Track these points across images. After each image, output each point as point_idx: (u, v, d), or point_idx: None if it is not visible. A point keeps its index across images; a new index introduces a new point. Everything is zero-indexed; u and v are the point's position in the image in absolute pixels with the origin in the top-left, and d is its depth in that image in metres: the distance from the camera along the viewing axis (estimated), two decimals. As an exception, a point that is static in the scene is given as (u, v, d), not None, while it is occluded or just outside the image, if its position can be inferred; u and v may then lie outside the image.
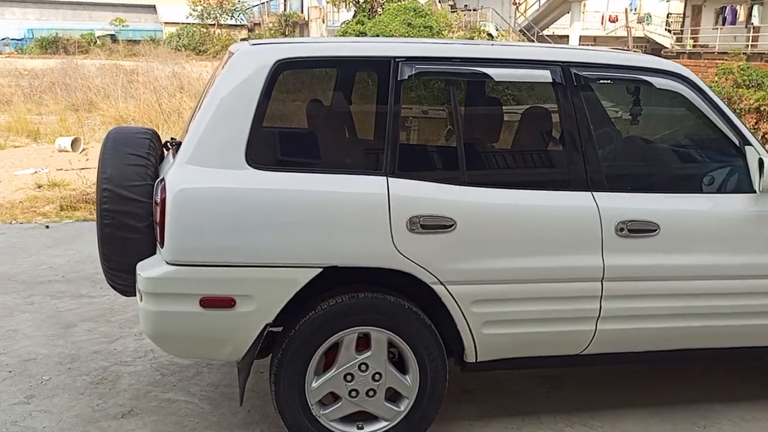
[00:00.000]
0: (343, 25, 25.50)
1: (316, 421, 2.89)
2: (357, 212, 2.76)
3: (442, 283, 2.83)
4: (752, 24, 27.39)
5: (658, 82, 3.10)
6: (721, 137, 3.16)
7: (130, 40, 37.16)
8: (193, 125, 2.80)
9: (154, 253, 2.87)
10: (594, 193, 2.95)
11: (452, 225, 2.79)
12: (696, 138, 3.60)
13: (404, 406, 2.95)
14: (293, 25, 40.13)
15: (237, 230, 2.69)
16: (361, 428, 2.94)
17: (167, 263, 2.69)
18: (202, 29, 40.91)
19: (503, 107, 3.72)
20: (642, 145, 3.76)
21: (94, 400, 3.42)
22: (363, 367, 2.87)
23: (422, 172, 3.00)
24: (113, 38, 39.10)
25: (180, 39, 38.77)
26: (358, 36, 19.72)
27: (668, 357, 3.27)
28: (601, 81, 3.11)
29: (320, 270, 2.74)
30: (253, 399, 3.40)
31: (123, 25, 43.28)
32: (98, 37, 39.09)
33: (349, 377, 2.87)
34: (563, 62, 3.01)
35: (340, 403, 2.91)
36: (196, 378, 3.66)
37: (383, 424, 2.95)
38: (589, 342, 3.04)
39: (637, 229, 2.94)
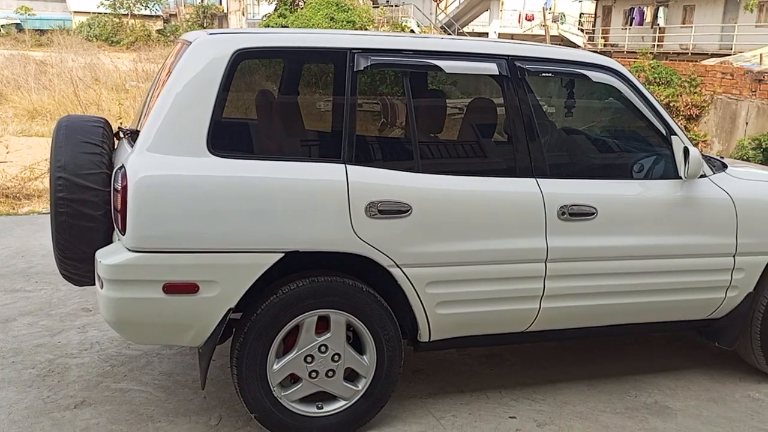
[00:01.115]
0: (264, 18, 25.25)
1: (278, 403, 2.96)
2: (317, 198, 2.84)
3: (398, 266, 2.95)
4: (658, 25, 28.77)
5: (595, 75, 3.31)
6: (650, 127, 3.41)
7: (37, 30, 35.61)
8: (152, 113, 2.81)
9: (110, 242, 2.87)
10: (538, 179, 3.14)
11: (408, 210, 2.91)
12: (627, 128, 3.85)
13: (362, 386, 3.06)
14: (211, 17, 39.38)
15: (199, 217, 2.72)
16: (321, 408, 3.04)
17: (129, 250, 2.70)
18: (114, 19, 39.63)
19: (459, 99, 3.87)
20: (577, 135, 3.99)
21: (44, 392, 3.36)
22: (322, 348, 2.96)
23: (379, 161, 3.11)
24: (19, 27, 37.32)
25: (91, 29, 37.44)
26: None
27: (605, 332, 3.50)
28: (543, 74, 3.30)
29: (282, 255, 2.82)
30: (207, 385, 3.41)
31: (29, 14, 41.37)
32: (2, 26, 37.22)
33: (309, 359, 2.96)
34: (508, 56, 3.18)
35: (300, 384, 2.99)
36: (146, 368, 3.65)
37: (342, 403, 3.05)
38: (534, 319, 3.23)
39: (577, 213, 3.15)
